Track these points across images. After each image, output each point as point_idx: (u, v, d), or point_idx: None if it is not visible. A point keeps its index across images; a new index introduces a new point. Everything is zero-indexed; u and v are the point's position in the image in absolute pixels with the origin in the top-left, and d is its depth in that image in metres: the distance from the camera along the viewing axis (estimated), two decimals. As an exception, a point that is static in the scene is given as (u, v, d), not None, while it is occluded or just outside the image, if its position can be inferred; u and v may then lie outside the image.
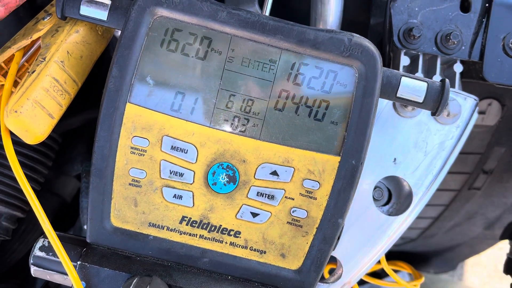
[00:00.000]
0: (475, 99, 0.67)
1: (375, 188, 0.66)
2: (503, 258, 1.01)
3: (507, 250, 0.93)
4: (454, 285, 1.72)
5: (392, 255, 1.11)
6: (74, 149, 0.81)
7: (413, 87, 0.53)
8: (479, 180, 0.94)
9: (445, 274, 1.81)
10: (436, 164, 0.65)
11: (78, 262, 0.50)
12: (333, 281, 0.66)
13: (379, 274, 1.03)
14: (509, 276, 0.99)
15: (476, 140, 0.88)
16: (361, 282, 0.85)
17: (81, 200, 0.68)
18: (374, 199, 0.66)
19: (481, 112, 0.84)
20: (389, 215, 0.66)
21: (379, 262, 0.83)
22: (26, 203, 0.65)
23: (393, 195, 0.68)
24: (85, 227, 0.70)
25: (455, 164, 0.79)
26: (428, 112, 0.66)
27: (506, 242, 1.04)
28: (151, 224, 0.52)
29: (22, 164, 0.64)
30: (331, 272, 0.71)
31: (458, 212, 1.03)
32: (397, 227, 0.65)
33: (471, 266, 2.29)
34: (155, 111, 0.51)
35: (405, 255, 1.19)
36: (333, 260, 0.70)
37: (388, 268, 0.76)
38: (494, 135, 0.87)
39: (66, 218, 0.87)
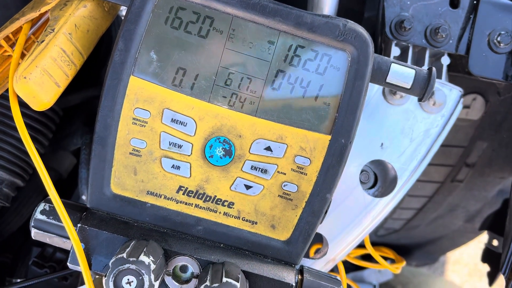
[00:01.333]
0: (460, 91, 0.70)
1: (362, 171, 0.70)
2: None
3: (486, 241, 0.97)
4: (434, 279, 1.77)
5: (375, 246, 1.15)
6: (73, 125, 0.83)
7: (401, 73, 0.57)
8: (461, 173, 0.98)
9: (426, 269, 1.86)
10: (421, 150, 0.69)
11: (78, 225, 0.53)
12: (319, 257, 0.69)
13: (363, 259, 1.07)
14: (487, 274, 1.04)
15: (460, 134, 0.92)
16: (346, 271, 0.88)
17: (80, 171, 0.70)
18: (361, 182, 0.70)
19: (465, 107, 0.88)
20: (375, 197, 0.69)
21: (363, 247, 0.87)
22: (26, 171, 0.67)
23: (379, 179, 0.71)
24: (83, 197, 0.73)
25: (439, 156, 0.83)
26: (415, 101, 0.69)
27: (485, 238, 1.09)
28: (149, 193, 0.55)
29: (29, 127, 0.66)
30: (317, 251, 0.75)
31: (440, 204, 1.07)
32: (381, 209, 0.68)
33: (452, 264, 2.34)
34: (157, 84, 0.53)
35: (388, 247, 1.22)
36: (319, 240, 0.73)
37: (371, 249, 0.80)
38: (477, 130, 0.91)
39: (61, 193, 0.89)
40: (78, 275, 0.78)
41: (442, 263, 2.28)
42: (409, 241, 1.33)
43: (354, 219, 0.68)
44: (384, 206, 0.69)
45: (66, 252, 0.80)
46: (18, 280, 0.83)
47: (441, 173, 0.99)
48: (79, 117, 0.86)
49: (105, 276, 0.47)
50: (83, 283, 0.80)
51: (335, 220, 0.68)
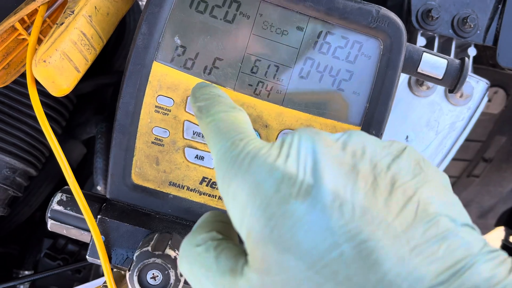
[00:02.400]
0: (487, 83, 0.68)
1: (385, 164, 0.67)
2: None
3: (502, 237, 0.96)
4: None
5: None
6: (84, 114, 0.81)
7: (433, 63, 0.54)
8: (478, 168, 0.97)
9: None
10: (446, 144, 0.67)
11: (98, 217, 0.50)
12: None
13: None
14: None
15: (479, 128, 0.90)
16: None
17: (96, 161, 0.68)
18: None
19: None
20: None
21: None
22: (40, 160, 0.65)
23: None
24: (98, 187, 0.70)
25: (457, 151, 0.81)
26: (441, 92, 0.67)
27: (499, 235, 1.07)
28: (172, 183, 0.53)
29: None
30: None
31: (454, 199, 1.05)
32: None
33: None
34: (181, 71, 0.51)
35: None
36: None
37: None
38: (497, 124, 0.90)
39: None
40: (90, 268, 0.76)
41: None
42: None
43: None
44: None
45: (78, 244, 0.78)
46: (27, 273, 0.81)
47: (457, 168, 0.97)
48: (90, 105, 0.83)
49: (128, 271, 0.45)
50: (95, 277, 0.78)
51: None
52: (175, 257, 0.45)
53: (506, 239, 0.96)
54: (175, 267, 0.44)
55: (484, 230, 1.24)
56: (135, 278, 0.44)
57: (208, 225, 0.35)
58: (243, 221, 0.30)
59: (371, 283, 0.25)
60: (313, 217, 0.27)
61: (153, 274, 0.44)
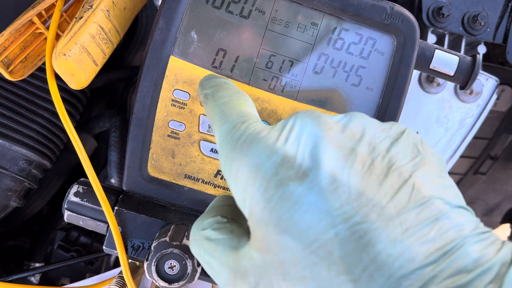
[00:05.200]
0: (496, 80, 0.69)
1: (394, 160, 0.68)
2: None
3: (508, 234, 0.97)
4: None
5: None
6: (95, 108, 0.82)
7: (445, 60, 0.55)
8: (484, 165, 0.97)
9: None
10: (456, 140, 0.68)
11: (115, 208, 0.51)
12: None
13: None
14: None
15: (486, 125, 0.90)
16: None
17: (110, 154, 0.69)
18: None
19: (494, 98, 0.87)
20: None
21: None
22: (54, 153, 0.66)
23: (411, 169, 0.70)
24: (112, 180, 0.71)
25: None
26: (451, 90, 0.68)
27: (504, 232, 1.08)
28: (187, 176, 0.53)
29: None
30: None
31: (460, 197, 1.06)
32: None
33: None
34: (197, 65, 0.52)
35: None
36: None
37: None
38: (504, 122, 0.90)
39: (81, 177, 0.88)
40: (102, 260, 0.77)
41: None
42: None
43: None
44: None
45: (91, 237, 0.79)
46: (37, 265, 0.82)
47: (464, 165, 0.98)
48: (101, 100, 0.84)
49: (146, 260, 0.46)
50: (106, 269, 0.79)
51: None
52: (192, 247, 0.46)
53: (511, 236, 0.97)
54: (192, 257, 0.45)
55: (490, 227, 1.25)
56: (153, 268, 0.45)
57: (215, 209, 0.37)
58: (245, 202, 0.31)
59: (363, 263, 0.26)
60: (310, 199, 0.28)
61: (170, 264, 0.45)
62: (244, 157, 0.31)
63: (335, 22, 0.52)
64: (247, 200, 0.30)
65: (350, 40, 0.53)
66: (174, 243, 0.45)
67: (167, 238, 0.46)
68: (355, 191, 0.28)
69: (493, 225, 1.18)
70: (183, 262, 0.45)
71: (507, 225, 1.02)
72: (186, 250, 0.45)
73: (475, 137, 0.95)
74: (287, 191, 0.29)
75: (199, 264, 0.46)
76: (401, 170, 0.30)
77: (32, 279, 0.76)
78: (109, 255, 0.78)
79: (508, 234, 0.99)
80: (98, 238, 0.80)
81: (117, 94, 0.84)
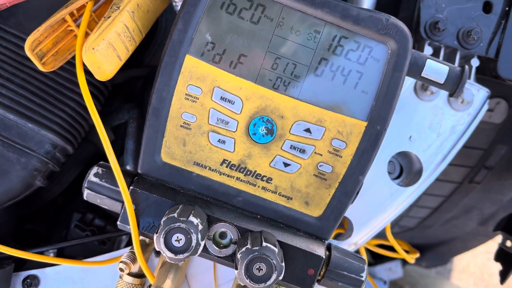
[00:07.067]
0: (487, 92, 0.74)
1: (389, 162, 0.74)
2: (490, 267, 1.08)
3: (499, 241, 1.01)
4: (442, 282, 1.79)
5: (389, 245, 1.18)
6: (114, 102, 0.88)
7: (436, 69, 0.60)
8: (480, 174, 1.02)
9: (434, 272, 1.89)
10: (446, 146, 0.73)
11: (131, 188, 0.57)
12: (343, 239, 0.73)
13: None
14: (499, 273, 1.07)
15: (482, 136, 0.95)
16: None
17: (127, 142, 0.75)
18: (387, 172, 0.74)
19: (489, 110, 0.92)
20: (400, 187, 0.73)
21: (380, 237, 0.91)
22: (77, 140, 0.72)
23: (404, 170, 0.75)
24: (127, 167, 0.77)
25: (459, 157, 0.86)
26: (444, 98, 0.73)
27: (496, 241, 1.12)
28: (196, 163, 0.59)
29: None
30: (337, 237, 0.78)
31: (456, 205, 1.11)
32: (405, 198, 0.72)
33: (458, 273, 2.36)
34: (210, 64, 0.58)
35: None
36: (341, 226, 0.77)
37: (391, 236, 0.83)
38: (499, 133, 0.95)
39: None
40: (114, 241, 0.82)
41: (449, 271, 2.30)
42: (421, 241, 1.36)
43: (379, 206, 0.72)
44: (408, 196, 0.72)
45: (104, 219, 0.85)
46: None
47: (459, 173, 1.02)
48: (120, 95, 0.91)
49: (156, 233, 0.51)
50: (117, 248, 0.85)
51: (361, 205, 0.71)
52: (197, 223, 0.51)
53: (503, 243, 1.01)
54: (197, 232, 0.51)
55: (485, 237, 1.28)
56: (162, 240, 0.51)
57: None
58: None
59: None
60: None
61: (177, 237, 0.51)
62: None
63: (335, 31, 0.58)
64: None
65: (349, 47, 0.58)
66: (182, 218, 0.51)
67: (175, 214, 0.51)
68: None
69: (488, 235, 1.22)
70: (189, 236, 0.51)
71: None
72: (192, 225, 0.51)
73: (471, 147, 0.99)
74: None
75: (202, 239, 0.52)
76: None
77: (52, 255, 0.81)
78: (120, 237, 0.83)
79: (500, 241, 1.02)
80: (111, 221, 0.86)
81: (135, 91, 0.91)
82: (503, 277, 1.01)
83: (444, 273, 2.24)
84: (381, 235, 0.90)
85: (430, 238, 1.33)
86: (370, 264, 1.35)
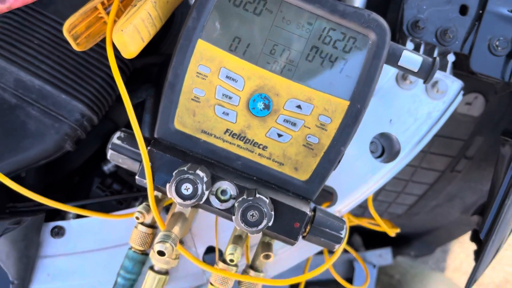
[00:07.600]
0: (461, 84, 0.84)
1: (371, 142, 0.84)
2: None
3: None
4: (431, 272, 1.88)
5: (378, 234, 1.27)
6: (133, 84, 0.99)
7: (411, 59, 0.70)
8: (460, 164, 1.11)
9: (428, 269, 1.98)
10: (422, 129, 0.83)
11: (148, 148, 0.68)
12: (328, 206, 0.83)
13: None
14: (473, 252, 1.15)
15: (462, 128, 1.05)
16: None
17: (144, 116, 0.86)
18: (370, 151, 0.84)
19: (467, 103, 1.02)
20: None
21: (364, 216, 1.00)
22: (102, 112, 0.83)
23: (386, 150, 0.85)
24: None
25: (442, 147, 0.97)
26: (422, 87, 0.83)
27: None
28: (203, 131, 0.70)
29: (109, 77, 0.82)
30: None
31: (440, 193, 1.20)
32: (385, 173, 0.82)
33: (452, 271, 2.45)
34: (218, 48, 0.68)
35: (389, 236, 1.36)
36: (329, 199, 0.88)
37: (373, 209, 0.93)
38: (477, 126, 1.04)
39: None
40: (129, 202, 0.93)
41: (442, 269, 2.39)
42: (409, 230, 1.45)
43: (361, 178, 0.82)
44: (387, 171, 0.83)
45: (121, 184, 0.95)
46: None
47: (442, 162, 1.12)
48: (139, 79, 1.02)
49: (168, 183, 0.62)
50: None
51: (345, 178, 0.82)
52: (203, 176, 0.62)
53: (477, 225, 1.10)
54: (202, 183, 0.62)
55: (467, 226, 1.38)
56: (173, 188, 0.61)
57: None
58: None
59: None
60: None
61: (186, 186, 0.61)
62: None
63: (325, 23, 0.69)
64: None
65: (336, 38, 0.69)
66: (190, 171, 0.62)
67: (185, 168, 0.62)
68: None
69: (471, 224, 1.31)
70: (195, 186, 0.61)
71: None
72: (198, 177, 0.61)
73: (452, 138, 1.09)
74: None
75: (207, 189, 0.62)
76: None
77: (71, 215, 0.92)
78: (135, 201, 0.94)
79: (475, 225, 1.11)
80: (128, 186, 0.97)
81: (152, 76, 1.02)
82: (477, 256, 1.10)
83: (437, 271, 2.32)
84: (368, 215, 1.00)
85: (417, 226, 1.42)
86: (361, 251, 1.45)
